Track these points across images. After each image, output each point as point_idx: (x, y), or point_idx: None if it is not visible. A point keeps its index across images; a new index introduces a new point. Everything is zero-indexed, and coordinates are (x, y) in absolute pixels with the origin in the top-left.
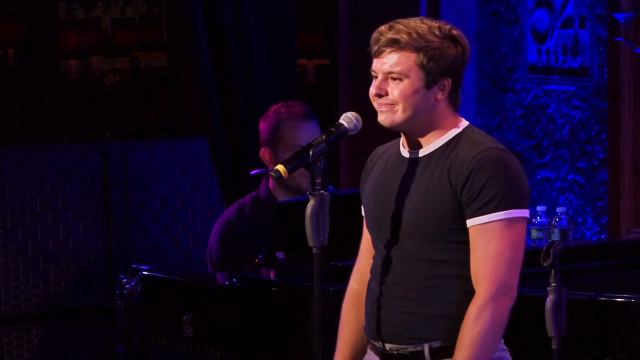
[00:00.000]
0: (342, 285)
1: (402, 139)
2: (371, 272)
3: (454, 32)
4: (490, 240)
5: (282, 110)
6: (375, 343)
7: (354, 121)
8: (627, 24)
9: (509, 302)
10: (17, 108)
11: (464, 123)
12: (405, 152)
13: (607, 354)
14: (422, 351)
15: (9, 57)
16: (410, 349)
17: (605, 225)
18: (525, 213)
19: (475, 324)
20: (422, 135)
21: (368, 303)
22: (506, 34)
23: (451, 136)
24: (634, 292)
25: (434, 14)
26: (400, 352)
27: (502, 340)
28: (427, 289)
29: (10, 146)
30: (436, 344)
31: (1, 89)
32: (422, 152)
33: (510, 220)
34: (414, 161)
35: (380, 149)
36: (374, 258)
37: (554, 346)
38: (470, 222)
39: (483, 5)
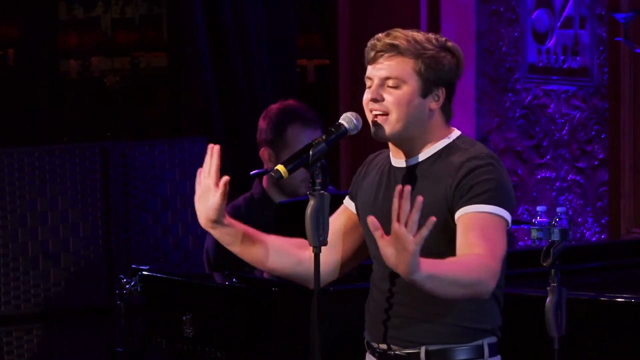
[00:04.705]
0: (342, 285)
1: (391, 148)
2: (372, 280)
3: (449, 43)
4: (487, 226)
5: (288, 112)
6: (373, 344)
7: (354, 121)
8: (627, 24)
9: (490, 289)
10: (17, 108)
11: (455, 133)
12: (395, 162)
13: (607, 354)
14: (419, 353)
15: (9, 57)
16: (407, 350)
17: (605, 225)
18: (509, 218)
19: (479, 266)
20: (414, 145)
21: (370, 309)
22: (506, 34)
23: (441, 146)
24: (634, 292)
25: (434, 14)
26: (397, 352)
27: (499, 357)
28: (425, 298)
29: (10, 146)
30: (433, 348)
31: (1, 89)
32: (411, 162)
33: (501, 219)
34: (403, 170)
35: (372, 157)
36: (373, 267)
37: (554, 346)
38: (463, 210)
39: (483, 5)
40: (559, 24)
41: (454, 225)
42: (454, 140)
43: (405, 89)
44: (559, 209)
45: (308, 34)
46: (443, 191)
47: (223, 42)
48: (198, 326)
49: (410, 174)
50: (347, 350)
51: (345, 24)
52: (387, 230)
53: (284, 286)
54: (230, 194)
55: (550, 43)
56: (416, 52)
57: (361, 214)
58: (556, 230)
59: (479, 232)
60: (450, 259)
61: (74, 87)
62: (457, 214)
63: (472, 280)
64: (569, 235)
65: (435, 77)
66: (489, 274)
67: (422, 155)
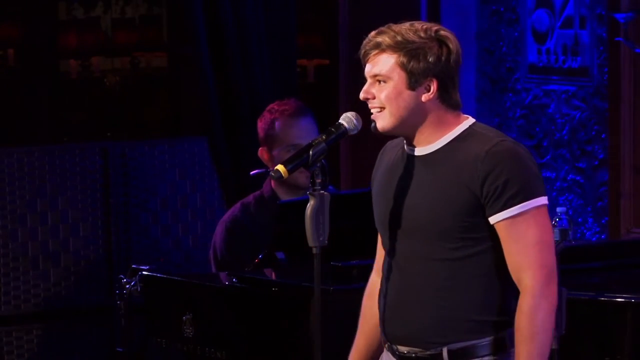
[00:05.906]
0: (342, 286)
1: (404, 138)
2: (383, 272)
3: (442, 32)
4: (526, 229)
5: (275, 108)
6: (392, 345)
7: (354, 121)
8: (627, 24)
9: (556, 284)
10: (17, 108)
11: (470, 120)
12: (409, 150)
13: (607, 354)
14: (441, 354)
15: (9, 57)
16: (429, 352)
17: (605, 225)
18: (546, 200)
19: (535, 314)
20: (421, 135)
21: (381, 304)
22: (506, 34)
23: (457, 133)
24: (634, 292)
25: (434, 14)
26: (419, 355)
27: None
28: (443, 290)
29: (10, 146)
30: (455, 347)
31: (1, 89)
32: (427, 150)
33: (538, 208)
34: (419, 159)
35: (389, 144)
36: (384, 258)
37: (554, 346)
38: (498, 217)
39: (483, 5)
40: (559, 24)
41: (475, 213)
42: (470, 126)
43: (391, 84)
44: (559, 209)
45: (308, 34)
46: (466, 178)
47: (223, 42)
48: (198, 326)
49: (427, 162)
50: (348, 351)
51: (345, 24)
52: (399, 221)
53: (284, 286)
54: (230, 195)
55: (550, 43)
56: (398, 46)
57: (374, 200)
58: (556, 230)
59: (523, 241)
60: (522, 344)
61: (74, 87)
62: (493, 219)
63: (547, 329)
64: (569, 235)
65: (421, 67)
66: (549, 299)
67: (438, 144)
